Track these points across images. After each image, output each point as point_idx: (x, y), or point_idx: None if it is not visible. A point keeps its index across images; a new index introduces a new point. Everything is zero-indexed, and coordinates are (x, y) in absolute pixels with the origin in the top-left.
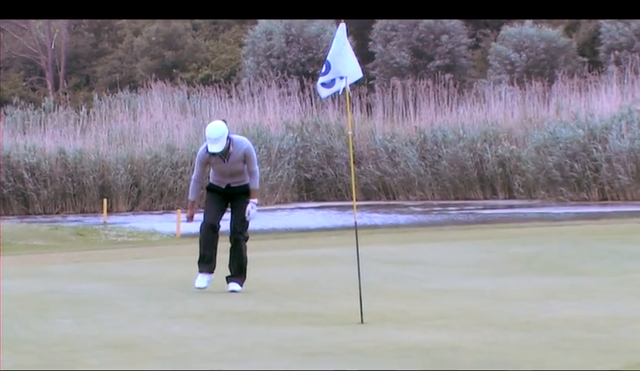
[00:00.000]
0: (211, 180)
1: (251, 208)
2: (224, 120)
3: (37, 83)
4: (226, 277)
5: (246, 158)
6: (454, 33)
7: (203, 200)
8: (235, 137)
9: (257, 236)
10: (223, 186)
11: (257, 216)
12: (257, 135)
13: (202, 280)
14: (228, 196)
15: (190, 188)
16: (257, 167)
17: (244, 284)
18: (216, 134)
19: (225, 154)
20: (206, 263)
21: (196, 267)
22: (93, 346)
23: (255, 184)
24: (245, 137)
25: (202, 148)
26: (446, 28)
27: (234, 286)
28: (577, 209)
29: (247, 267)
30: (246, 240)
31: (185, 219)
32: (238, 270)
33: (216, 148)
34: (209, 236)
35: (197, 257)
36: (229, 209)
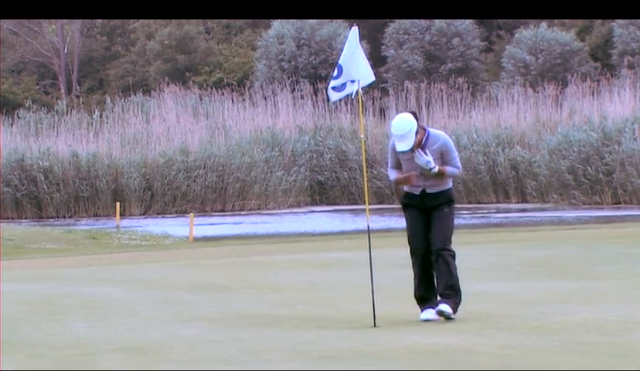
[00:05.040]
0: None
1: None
2: (413, 112)
3: (50, 87)
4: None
5: (443, 154)
6: (466, 36)
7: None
8: (432, 130)
9: (269, 240)
10: (418, 192)
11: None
12: (270, 138)
13: (427, 313)
14: (426, 211)
15: (389, 173)
16: (459, 163)
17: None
18: (401, 129)
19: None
20: (427, 301)
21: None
22: (106, 350)
23: (454, 170)
24: (443, 132)
25: (392, 141)
26: (458, 31)
27: (444, 306)
28: (589, 213)
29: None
30: (453, 257)
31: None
32: (449, 289)
33: (404, 145)
34: (422, 271)
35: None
36: None
